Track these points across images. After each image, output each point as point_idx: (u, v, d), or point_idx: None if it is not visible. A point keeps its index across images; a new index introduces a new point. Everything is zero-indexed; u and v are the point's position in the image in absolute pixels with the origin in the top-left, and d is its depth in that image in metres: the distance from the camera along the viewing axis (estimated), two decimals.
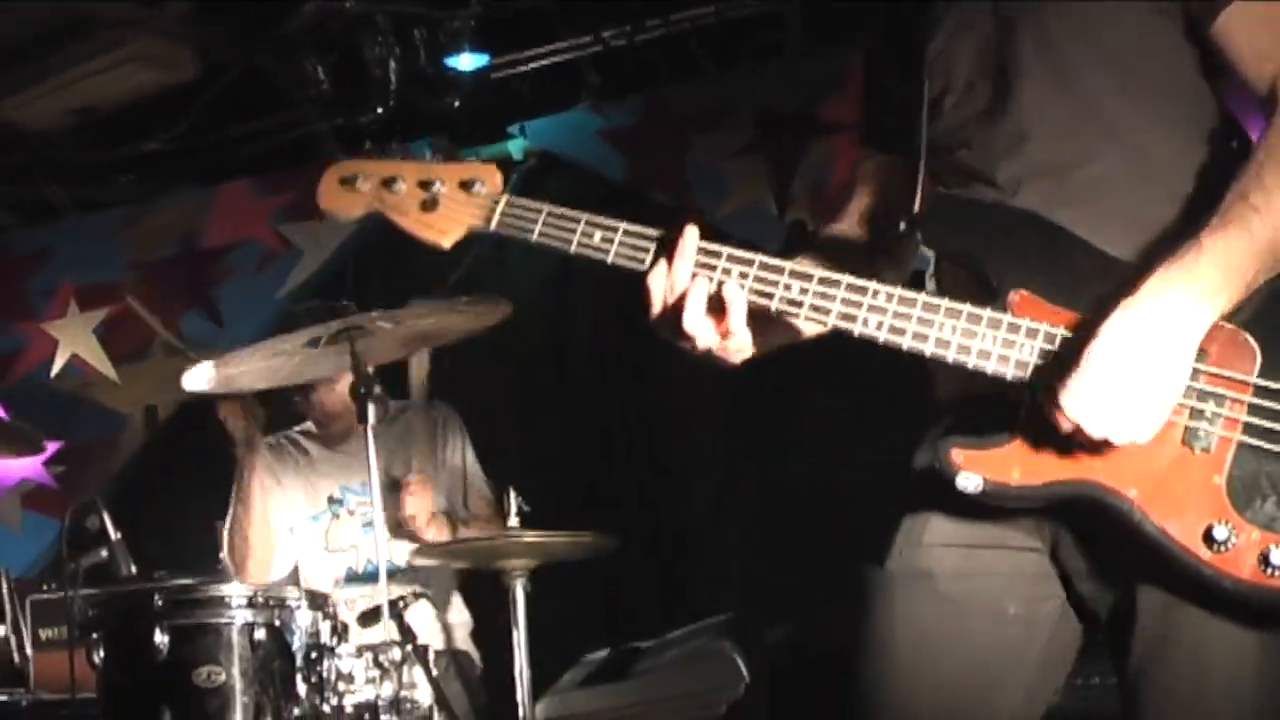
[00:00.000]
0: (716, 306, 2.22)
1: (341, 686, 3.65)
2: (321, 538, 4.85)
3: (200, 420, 5.97)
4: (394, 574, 4.34)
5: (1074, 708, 2.77)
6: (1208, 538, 2.10)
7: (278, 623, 3.63)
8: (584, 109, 6.25)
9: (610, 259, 2.27)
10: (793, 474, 5.54)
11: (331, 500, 4.88)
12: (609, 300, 5.93)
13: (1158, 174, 2.24)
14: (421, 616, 4.55)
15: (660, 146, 6.11)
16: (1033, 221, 2.23)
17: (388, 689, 3.68)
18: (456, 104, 6.44)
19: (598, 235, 2.27)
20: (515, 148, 6.43)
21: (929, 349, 2.18)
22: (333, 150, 6.62)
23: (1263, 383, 2.12)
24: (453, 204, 2.33)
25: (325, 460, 4.95)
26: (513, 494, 4.24)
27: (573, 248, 2.27)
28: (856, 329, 2.20)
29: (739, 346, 2.27)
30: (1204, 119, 2.28)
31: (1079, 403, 2.07)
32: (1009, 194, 2.27)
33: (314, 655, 3.65)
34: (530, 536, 4.15)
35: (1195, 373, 2.11)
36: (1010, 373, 2.16)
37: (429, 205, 2.33)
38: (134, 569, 3.82)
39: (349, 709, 3.65)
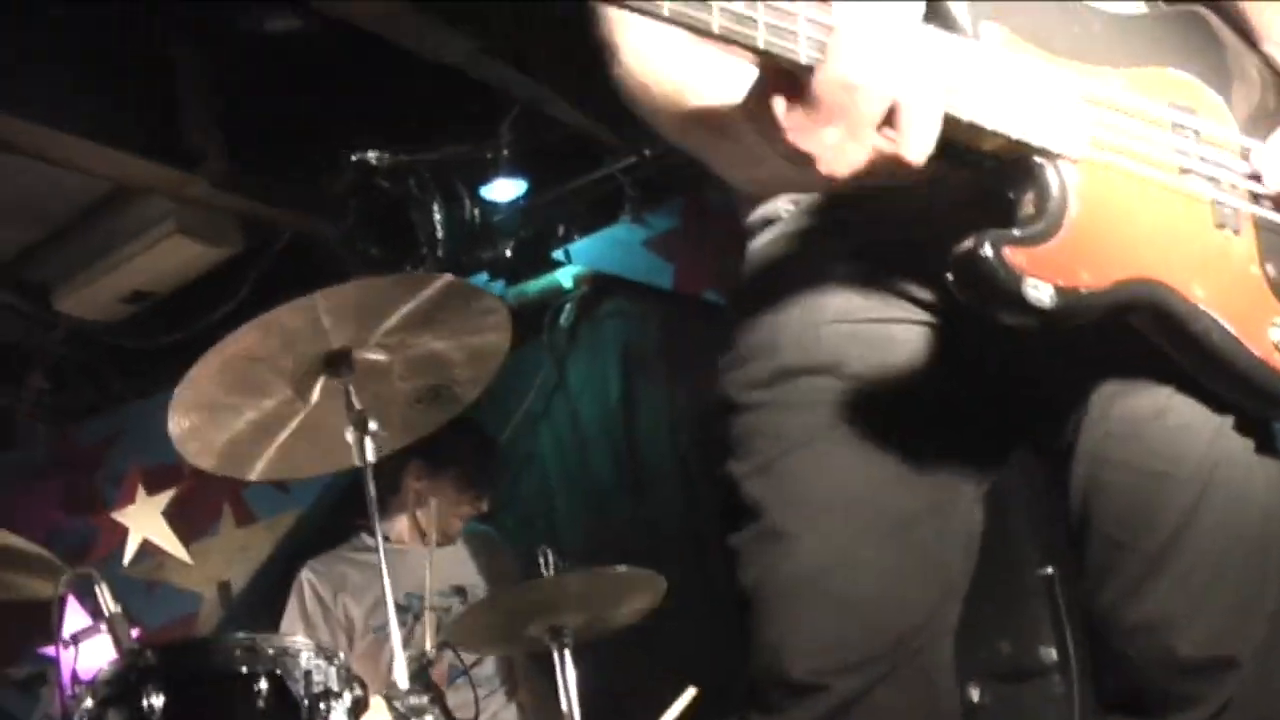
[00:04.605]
0: None
1: None
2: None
3: (272, 592, 5.83)
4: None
5: None
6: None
7: (279, 671, 3.36)
8: (626, 222, 6.07)
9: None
10: None
11: (399, 608, 4.66)
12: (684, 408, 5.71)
13: None
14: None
15: (705, 245, 5.93)
16: None
17: None
18: (507, 250, 6.35)
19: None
20: (565, 277, 6.29)
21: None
22: None
23: (1245, 141, 1.80)
24: None
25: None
26: (548, 552, 3.95)
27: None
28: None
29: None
30: None
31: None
32: None
33: (321, 706, 3.36)
34: (572, 583, 3.84)
35: (1192, 132, 1.76)
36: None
37: None
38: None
39: None
